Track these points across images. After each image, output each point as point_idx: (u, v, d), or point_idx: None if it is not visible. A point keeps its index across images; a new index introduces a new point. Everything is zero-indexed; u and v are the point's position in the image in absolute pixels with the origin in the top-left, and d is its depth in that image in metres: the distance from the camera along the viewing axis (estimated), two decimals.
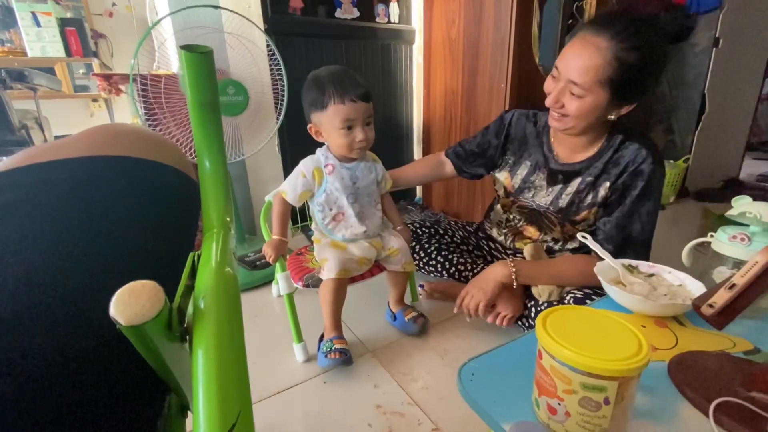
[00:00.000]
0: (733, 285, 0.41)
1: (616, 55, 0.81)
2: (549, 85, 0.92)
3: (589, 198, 1.00)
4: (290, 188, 0.97)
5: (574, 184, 1.01)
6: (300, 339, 1.02)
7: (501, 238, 1.22)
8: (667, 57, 0.87)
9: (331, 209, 1.00)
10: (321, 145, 1.00)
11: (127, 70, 1.16)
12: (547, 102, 0.92)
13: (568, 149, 1.02)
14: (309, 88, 0.92)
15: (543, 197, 1.07)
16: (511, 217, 1.17)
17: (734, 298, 0.41)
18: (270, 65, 1.37)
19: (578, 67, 0.84)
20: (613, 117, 0.92)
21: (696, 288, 0.64)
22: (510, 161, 1.14)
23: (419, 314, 1.11)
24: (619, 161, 0.95)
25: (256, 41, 1.32)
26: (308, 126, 0.96)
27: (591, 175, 0.98)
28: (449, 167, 1.26)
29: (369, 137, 0.94)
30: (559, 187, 1.04)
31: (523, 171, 1.11)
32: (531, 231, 1.12)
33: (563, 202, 1.03)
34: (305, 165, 0.97)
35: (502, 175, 1.16)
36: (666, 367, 0.51)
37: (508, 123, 1.14)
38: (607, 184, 0.96)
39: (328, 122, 0.91)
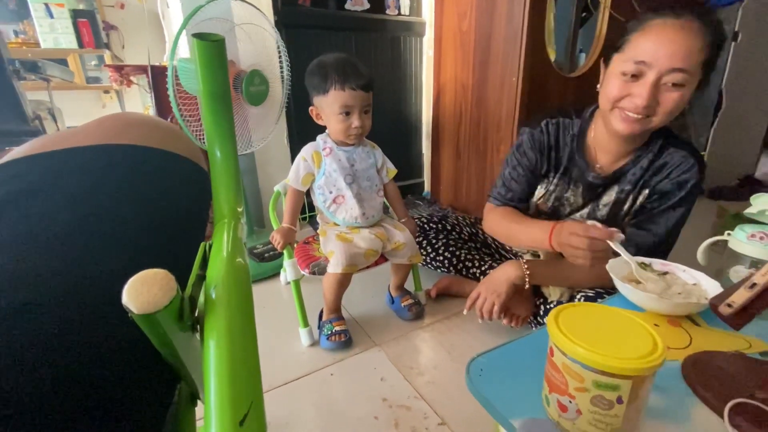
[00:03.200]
0: (754, 284, 0.39)
1: (710, 35, 0.77)
2: (626, 86, 0.81)
3: (627, 207, 0.95)
4: (293, 173, 1.02)
5: (612, 194, 0.96)
6: (306, 324, 1.05)
7: None
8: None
9: (330, 192, 1.03)
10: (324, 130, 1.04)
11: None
12: (635, 105, 0.80)
13: (613, 157, 0.94)
14: (313, 72, 0.96)
15: (579, 212, 1.01)
16: None
17: (754, 297, 0.39)
18: (279, 56, 1.37)
19: (682, 51, 0.75)
20: None
21: (711, 287, 0.63)
22: (550, 176, 1.03)
23: (416, 302, 1.14)
24: (662, 169, 0.90)
25: (269, 32, 1.31)
26: (310, 108, 1.00)
27: (630, 183, 0.93)
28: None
29: (365, 125, 0.98)
30: (596, 199, 0.98)
31: (556, 188, 1.02)
32: None
33: (602, 213, 0.98)
34: (305, 150, 1.03)
35: (537, 194, 1.05)
36: (679, 367, 0.50)
37: (539, 134, 1.00)
38: (647, 191, 0.92)
39: (328, 107, 0.96)
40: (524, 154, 1.03)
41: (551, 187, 1.03)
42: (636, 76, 0.79)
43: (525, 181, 1.04)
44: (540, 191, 1.05)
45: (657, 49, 0.77)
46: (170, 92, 1.09)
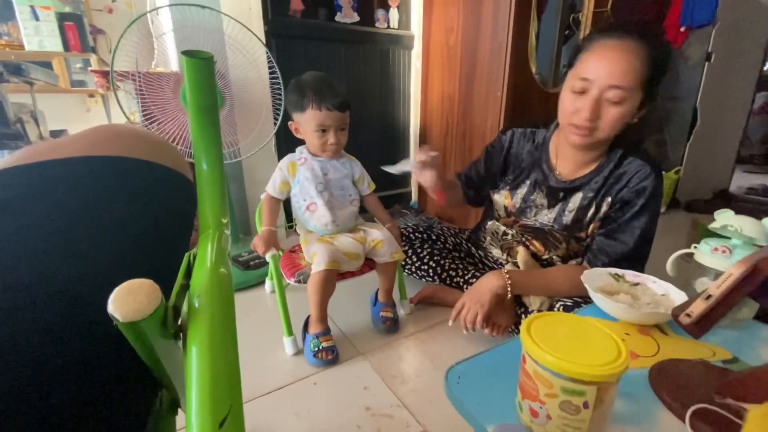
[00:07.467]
0: (709, 296, 0.42)
1: (650, 54, 0.83)
2: (575, 101, 0.88)
3: (591, 213, 1.00)
4: (270, 182, 1.09)
5: (576, 200, 1.02)
6: (290, 333, 1.04)
7: (496, 251, 1.22)
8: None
9: (305, 199, 1.08)
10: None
11: (125, 67, 1.16)
12: (581, 118, 0.87)
13: (572, 165, 1.02)
14: (292, 90, 1.02)
15: (546, 215, 1.07)
16: (513, 232, 1.16)
17: (710, 308, 0.42)
18: (269, 68, 1.38)
19: (619, 70, 0.82)
20: (635, 120, 0.91)
21: (679, 298, 0.66)
22: (509, 180, 1.14)
23: (394, 318, 1.14)
24: (621, 177, 0.95)
25: (248, 43, 1.32)
26: (289, 122, 1.07)
27: (592, 190, 0.99)
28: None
29: (341, 141, 1.06)
30: (560, 204, 1.04)
31: (522, 190, 1.11)
32: (536, 246, 1.11)
33: (567, 219, 1.03)
34: (282, 161, 1.09)
35: (500, 196, 1.16)
36: (647, 374, 0.53)
37: (508, 142, 1.14)
38: (609, 199, 0.97)
39: (305, 124, 1.02)
40: (487, 151, 1.19)
41: (518, 189, 1.12)
42: (582, 92, 0.87)
43: (481, 168, 1.20)
44: (503, 193, 1.16)
45: (598, 68, 0.85)
46: (116, 99, 1.17)
